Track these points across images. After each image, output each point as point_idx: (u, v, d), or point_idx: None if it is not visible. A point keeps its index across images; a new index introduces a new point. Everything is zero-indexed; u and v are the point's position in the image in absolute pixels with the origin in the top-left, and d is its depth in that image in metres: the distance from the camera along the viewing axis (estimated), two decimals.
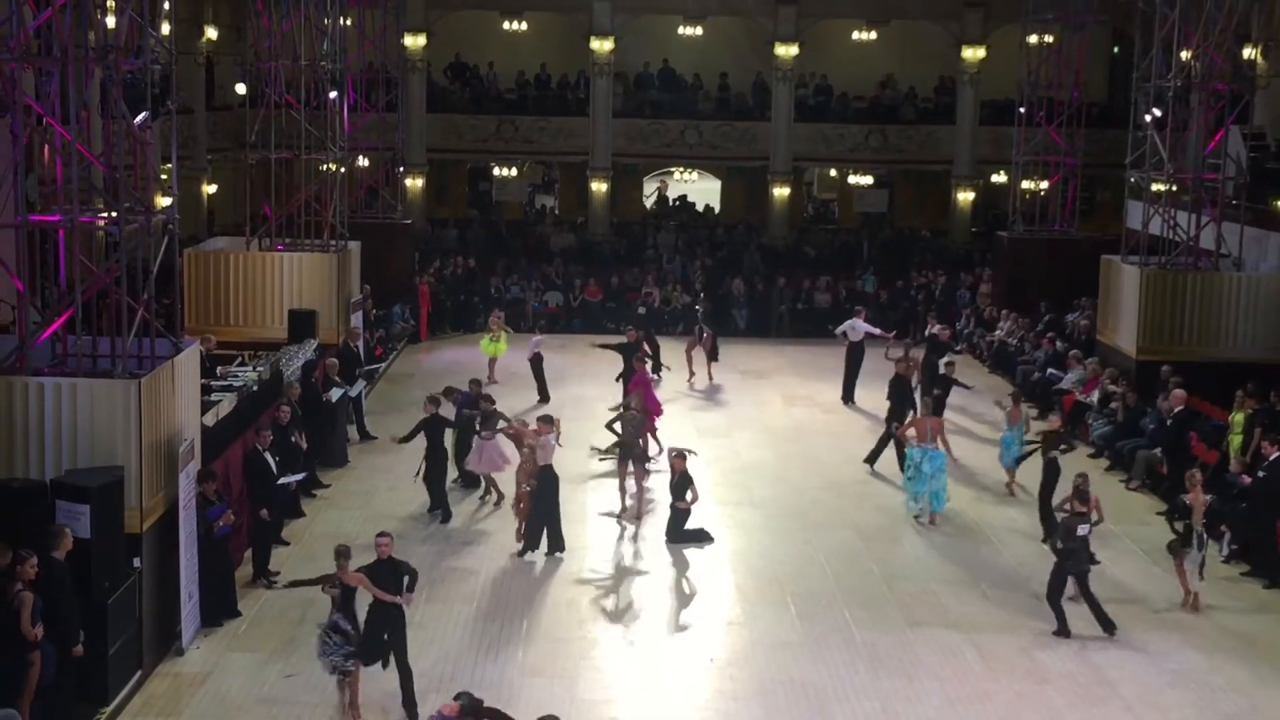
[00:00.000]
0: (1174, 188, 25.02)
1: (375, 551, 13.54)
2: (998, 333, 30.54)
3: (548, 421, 18.44)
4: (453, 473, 20.44)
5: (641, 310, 31.39)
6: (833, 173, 42.99)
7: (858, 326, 27.14)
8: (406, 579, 13.50)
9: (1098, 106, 37.23)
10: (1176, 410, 20.73)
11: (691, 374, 28.33)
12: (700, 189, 45.23)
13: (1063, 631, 15.70)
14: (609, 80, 38.07)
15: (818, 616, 16.31)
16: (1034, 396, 26.57)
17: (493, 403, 20.28)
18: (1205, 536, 16.70)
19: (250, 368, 20.43)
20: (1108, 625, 15.81)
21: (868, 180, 41.29)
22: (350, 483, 21.02)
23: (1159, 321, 24.33)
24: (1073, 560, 15.76)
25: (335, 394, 21.54)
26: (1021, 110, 31.82)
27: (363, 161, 32.73)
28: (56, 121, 14.49)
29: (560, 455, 18.72)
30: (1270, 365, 23.08)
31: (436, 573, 17.20)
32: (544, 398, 25.95)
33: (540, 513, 18.05)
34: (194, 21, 33.67)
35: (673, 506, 18.71)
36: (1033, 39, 32.46)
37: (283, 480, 17.63)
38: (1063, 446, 19.07)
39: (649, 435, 21.64)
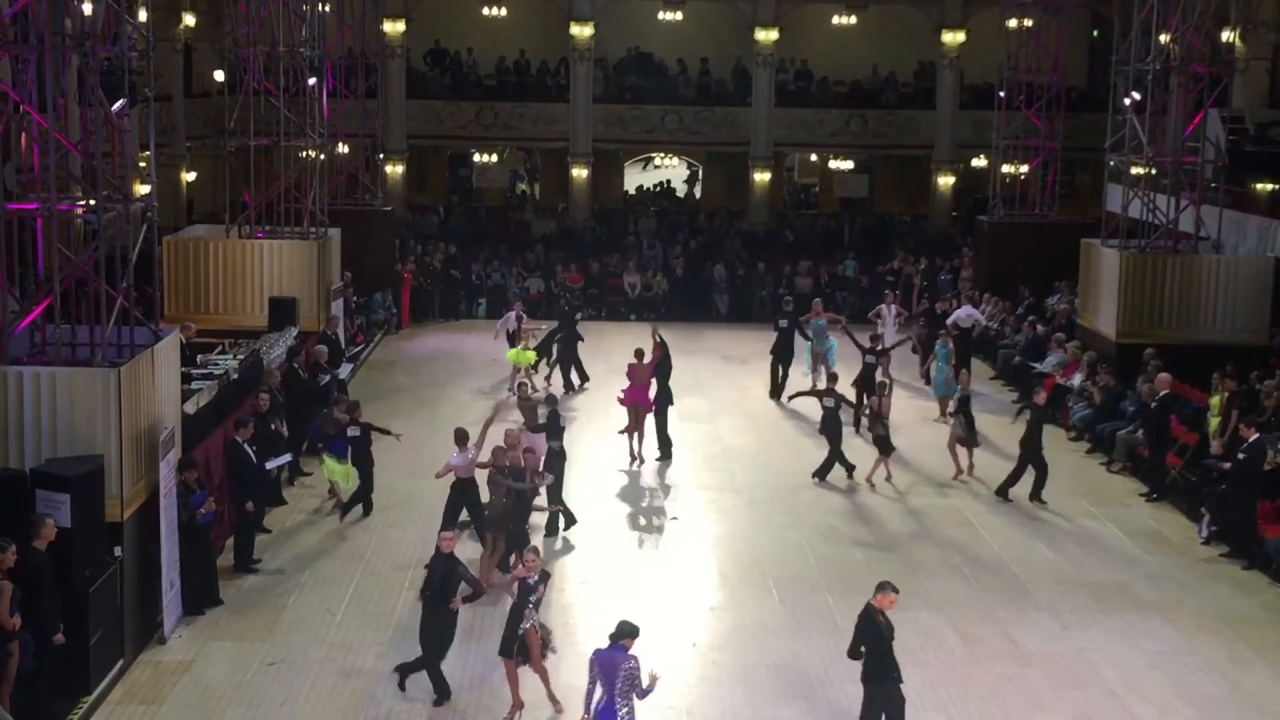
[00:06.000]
0: (1153, 171, 25.09)
1: (440, 546, 13.58)
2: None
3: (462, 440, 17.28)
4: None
5: (565, 306, 28.02)
6: (813, 158, 42.95)
7: (969, 313, 27.87)
8: (463, 584, 13.45)
9: (1077, 90, 37.37)
10: (1162, 394, 20.75)
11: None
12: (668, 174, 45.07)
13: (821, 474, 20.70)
14: (589, 66, 37.99)
15: (800, 600, 16.37)
16: (1014, 379, 26.70)
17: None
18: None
19: (230, 356, 20.37)
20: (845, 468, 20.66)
21: (848, 165, 41.32)
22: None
23: (1139, 305, 24.38)
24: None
25: (323, 379, 21.48)
26: (1001, 94, 31.86)
27: (342, 148, 32.60)
28: (33, 109, 14.43)
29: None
30: (1249, 348, 23.24)
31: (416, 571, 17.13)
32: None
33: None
34: (172, 8, 33.45)
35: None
36: (1012, 23, 32.47)
37: (270, 464, 17.60)
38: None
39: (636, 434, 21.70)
